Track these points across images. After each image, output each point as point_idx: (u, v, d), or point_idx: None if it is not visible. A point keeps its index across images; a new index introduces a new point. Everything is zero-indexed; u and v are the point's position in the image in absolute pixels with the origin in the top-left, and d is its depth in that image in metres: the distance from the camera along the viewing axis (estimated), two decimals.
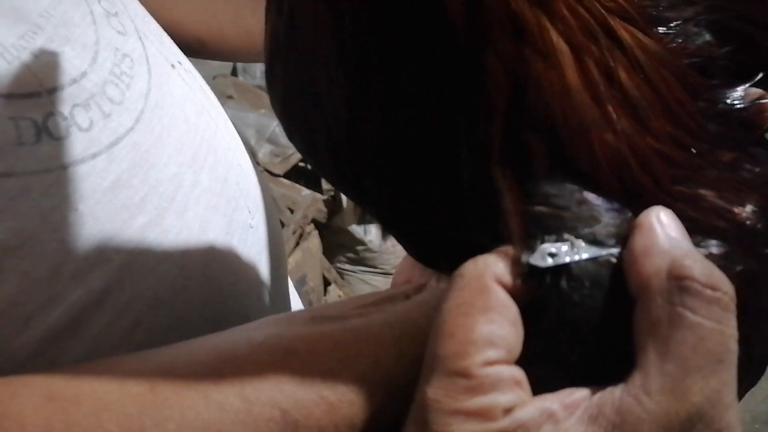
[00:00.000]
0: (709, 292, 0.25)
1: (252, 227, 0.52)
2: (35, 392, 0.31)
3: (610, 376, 0.26)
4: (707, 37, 0.33)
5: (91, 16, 0.41)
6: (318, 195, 1.98)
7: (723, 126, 0.31)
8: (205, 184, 0.45)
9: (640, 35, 0.29)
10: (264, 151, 1.99)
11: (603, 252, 0.26)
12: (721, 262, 0.28)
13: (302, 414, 0.31)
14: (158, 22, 0.50)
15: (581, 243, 0.26)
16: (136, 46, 0.43)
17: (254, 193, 0.53)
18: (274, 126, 1.98)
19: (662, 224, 0.27)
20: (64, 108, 0.37)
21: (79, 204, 0.37)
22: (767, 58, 0.33)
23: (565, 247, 0.26)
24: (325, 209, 2.00)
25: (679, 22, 0.33)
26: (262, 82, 1.76)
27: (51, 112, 0.36)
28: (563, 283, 0.26)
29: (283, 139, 1.85)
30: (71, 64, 0.38)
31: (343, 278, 2.08)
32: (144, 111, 0.41)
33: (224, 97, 2.02)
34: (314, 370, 0.32)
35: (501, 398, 0.25)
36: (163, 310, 0.41)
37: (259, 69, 2.16)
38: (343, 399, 0.32)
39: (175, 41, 0.51)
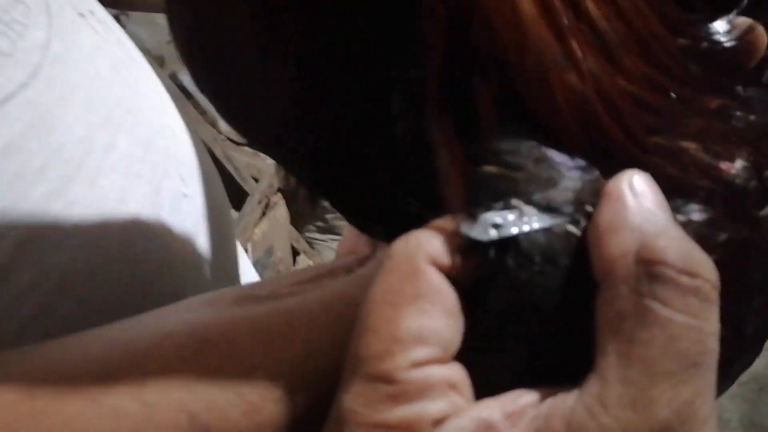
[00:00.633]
0: (685, 279, 0.21)
1: (186, 196, 0.46)
2: None
3: (566, 375, 0.21)
4: None
5: None
6: None
7: (708, 67, 0.26)
8: (123, 148, 0.40)
9: None
10: None
11: (557, 220, 0.21)
12: (704, 230, 0.24)
13: (216, 417, 0.26)
14: None
15: (532, 210, 0.21)
16: None
17: (188, 159, 0.47)
18: None
19: (635, 193, 0.22)
20: None
21: None
22: None
23: (512, 216, 0.21)
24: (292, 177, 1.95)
25: None
26: None
27: None
28: (509, 259, 0.21)
29: None
30: None
31: (312, 247, 2.04)
32: (42, 65, 0.36)
33: (182, 64, 1.95)
34: (232, 363, 0.27)
35: (430, 407, 0.21)
36: (75, 294, 0.36)
37: None
38: (267, 397, 0.27)
39: None
